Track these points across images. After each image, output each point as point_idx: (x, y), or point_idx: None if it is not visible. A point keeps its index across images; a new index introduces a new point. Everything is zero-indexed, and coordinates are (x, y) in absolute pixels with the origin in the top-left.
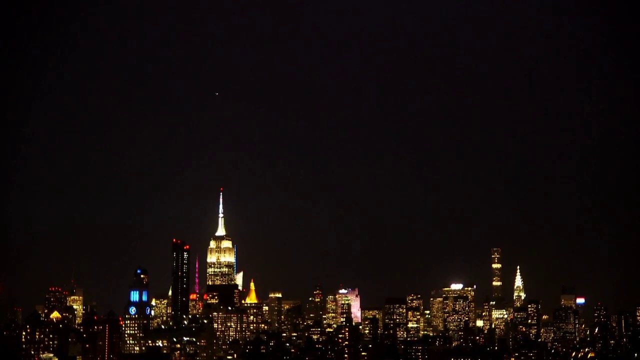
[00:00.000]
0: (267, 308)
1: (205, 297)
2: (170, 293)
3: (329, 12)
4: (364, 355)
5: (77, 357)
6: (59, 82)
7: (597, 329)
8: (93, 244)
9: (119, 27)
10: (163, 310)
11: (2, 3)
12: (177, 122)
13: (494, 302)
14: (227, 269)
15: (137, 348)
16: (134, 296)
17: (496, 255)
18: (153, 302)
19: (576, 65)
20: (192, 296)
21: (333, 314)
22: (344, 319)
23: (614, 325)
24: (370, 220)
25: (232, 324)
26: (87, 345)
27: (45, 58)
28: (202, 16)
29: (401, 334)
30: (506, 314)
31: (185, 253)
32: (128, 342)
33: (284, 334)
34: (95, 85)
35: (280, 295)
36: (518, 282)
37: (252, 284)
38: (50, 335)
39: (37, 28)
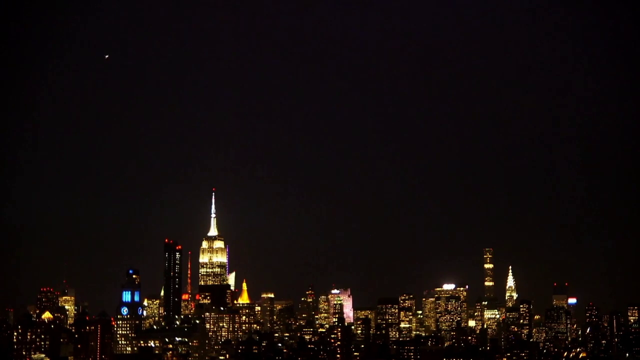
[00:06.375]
0: (259, 308)
1: (197, 297)
2: (162, 293)
3: (320, 13)
4: (356, 355)
5: (69, 357)
6: (54, 84)
7: (588, 329)
8: (85, 244)
9: (115, 29)
10: (155, 311)
11: (2, 3)
12: (171, 123)
13: (486, 302)
14: (219, 269)
15: (129, 348)
16: (126, 296)
17: (488, 256)
18: (145, 303)
19: (573, 64)
20: (184, 296)
21: (325, 314)
22: (337, 319)
23: (606, 325)
24: (363, 221)
25: (224, 324)
26: (79, 346)
27: (45, 59)
28: (199, 19)
29: (393, 334)
30: (498, 314)
31: (177, 253)
32: (120, 342)
33: (277, 334)
34: (89, 88)
35: (272, 296)
36: (510, 282)
37: (244, 284)
38: (42, 336)
39: (37, 28)
